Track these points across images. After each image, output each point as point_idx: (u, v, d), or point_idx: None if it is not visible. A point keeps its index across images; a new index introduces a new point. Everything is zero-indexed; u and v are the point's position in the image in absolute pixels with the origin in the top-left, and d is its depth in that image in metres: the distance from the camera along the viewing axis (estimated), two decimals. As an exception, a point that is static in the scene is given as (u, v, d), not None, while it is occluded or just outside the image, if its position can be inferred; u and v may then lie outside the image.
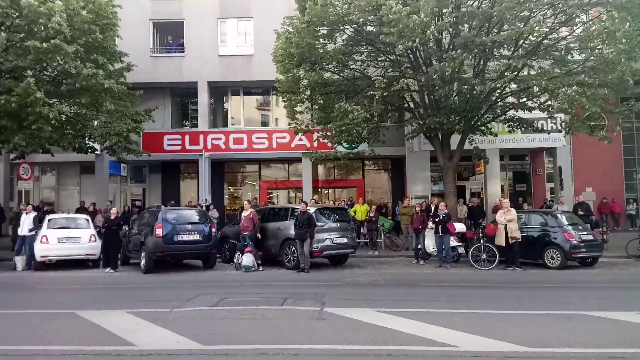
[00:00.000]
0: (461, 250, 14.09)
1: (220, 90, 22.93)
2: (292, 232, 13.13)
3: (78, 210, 18.84)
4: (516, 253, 12.79)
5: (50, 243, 13.72)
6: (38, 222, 14.53)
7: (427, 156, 19.87)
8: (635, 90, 14.94)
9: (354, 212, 17.18)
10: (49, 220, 14.44)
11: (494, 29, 13.96)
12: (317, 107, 18.07)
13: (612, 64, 13.36)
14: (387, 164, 23.12)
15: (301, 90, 15.84)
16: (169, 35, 22.37)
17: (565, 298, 9.08)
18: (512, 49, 14.75)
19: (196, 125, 22.13)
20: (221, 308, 8.16)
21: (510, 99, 16.30)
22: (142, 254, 13.21)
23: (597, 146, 17.41)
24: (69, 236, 13.98)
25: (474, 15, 13.77)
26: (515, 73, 14.14)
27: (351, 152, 18.86)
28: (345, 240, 13.71)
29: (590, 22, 14.66)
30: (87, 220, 14.98)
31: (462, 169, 21.49)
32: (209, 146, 21.14)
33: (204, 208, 17.92)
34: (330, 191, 23.31)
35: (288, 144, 21.04)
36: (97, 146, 18.35)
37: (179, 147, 21.27)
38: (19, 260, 14.04)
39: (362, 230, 17.08)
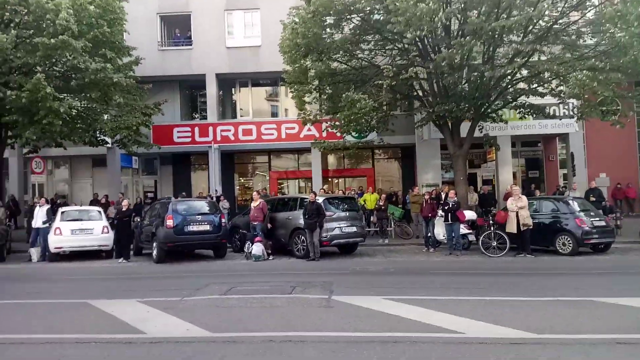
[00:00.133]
0: (472, 237, 14.03)
1: (228, 82, 22.96)
2: (301, 221, 13.21)
3: (91, 203, 19.10)
4: (527, 240, 12.71)
5: (64, 235, 13.97)
6: (51, 215, 14.76)
7: (437, 144, 19.78)
8: (648, 74, 14.67)
9: (364, 201, 17.20)
10: (62, 212, 14.68)
11: (503, 15, 13.74)
12: (325, 97, 17.98)
13: (624, 48, 13.08)
14: (397, 152, 23.02)
15: (309, 80, 15.81)
16: (177, 29, 22.42)
17: (576, 284, 8.99)
18: (522, 34, 14.53)
19: (205, 118, 22.22)
20: (231, 296, 8.24)
21: (521, 85, 16.09)
22: (154, 244, 13.42)
23: (611, 131, 17.13)
24: (82, 228, 14.21)
25: (483, 1, 13.55)
26: (525, 59, 13.93)
27: (360, 142, 18.84)
28: (354, 229, 13.75)
29: (602, 6, 14.37)
30: (99, 212, 15.21)
31: (474, 156, 21.32)
32: (219, 138, 21.25)
33: (215, 199, 18.07)
34: (340, 181, 23.30)
35: (297, 135, 21.07)
36: (108, 139, 18.55)
37: (189, 139, 21.41)
38: (34, 252, 14.30)
39: (372, 219, 17.10)
